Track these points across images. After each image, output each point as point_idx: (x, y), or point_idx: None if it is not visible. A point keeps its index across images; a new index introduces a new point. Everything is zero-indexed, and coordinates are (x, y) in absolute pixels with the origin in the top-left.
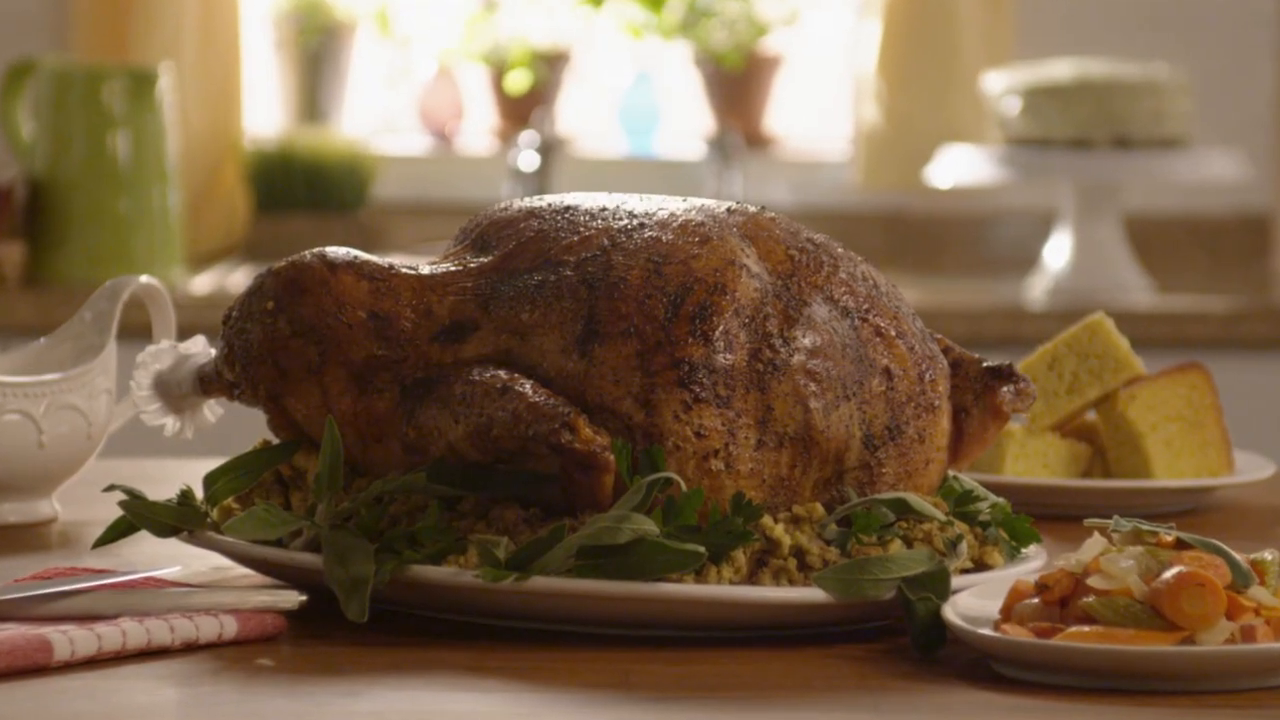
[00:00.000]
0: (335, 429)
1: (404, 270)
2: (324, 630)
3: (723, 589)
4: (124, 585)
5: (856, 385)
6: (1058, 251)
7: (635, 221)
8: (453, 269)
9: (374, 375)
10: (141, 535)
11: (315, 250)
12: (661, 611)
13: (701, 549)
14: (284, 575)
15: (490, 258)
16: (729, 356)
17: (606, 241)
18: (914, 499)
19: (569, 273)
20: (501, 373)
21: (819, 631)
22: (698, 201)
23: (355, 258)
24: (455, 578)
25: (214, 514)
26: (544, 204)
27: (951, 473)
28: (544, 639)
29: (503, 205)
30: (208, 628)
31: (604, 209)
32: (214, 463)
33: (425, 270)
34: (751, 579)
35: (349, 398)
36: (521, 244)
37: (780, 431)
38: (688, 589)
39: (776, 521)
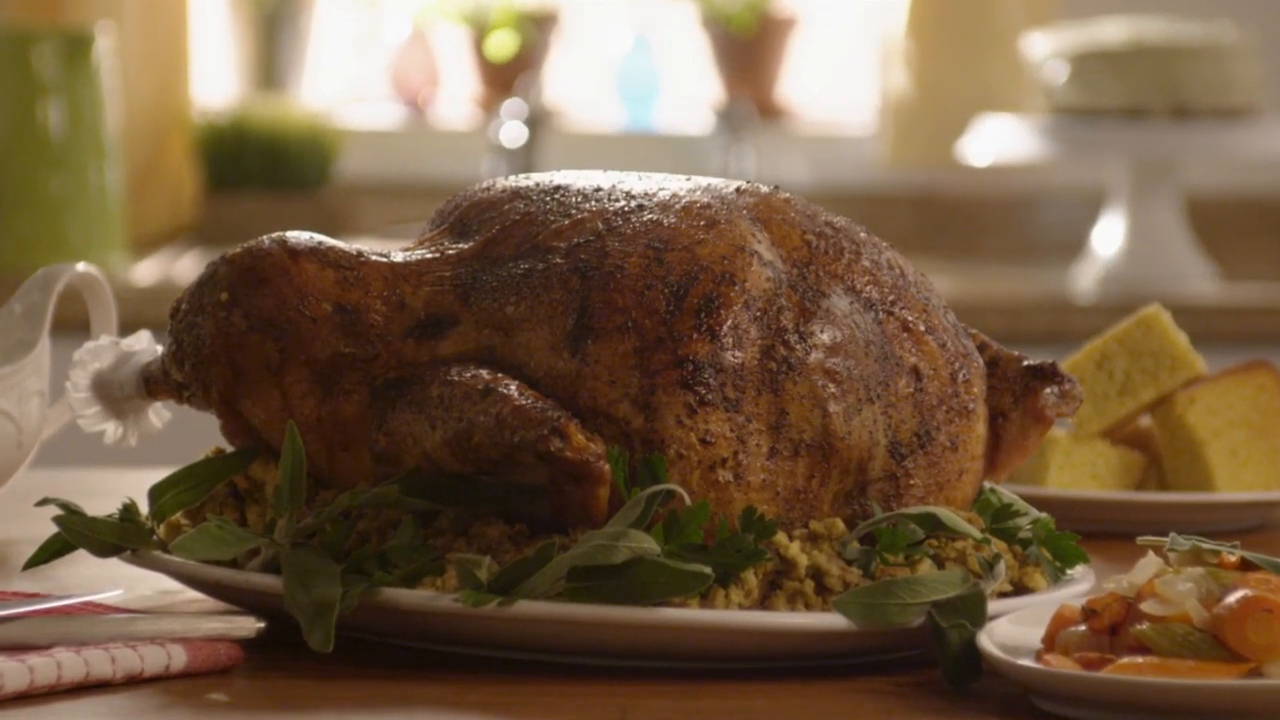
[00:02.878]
0: (297, 435)
1: (374, 258)
2: (284, 661)
3: (731, 615)
4: (59, 611)
5: (881, 386)
6: (1108, 236)
7: (633, 203)
8: (428, 256)
9: (340, 376)
10: (79, 555)
11: (275, 235)
12: (662, 640)
13: (708, 570)
14: (239, 600)
15: (470, 244)
16: (738, 354)
17: (601, 225)
18: (946, 514)
19: (559, 260)
20: (484, 373)
21: (839, 663)
22: (703, 181)
23: (319, 244)
24: (432, 602)
25: (160, 531)
26: (531, 183)
27: (988, 484)
28: (532, 670)
29: (484, 185)
30: (154, 659)
31: (598, 189)
32: (161, 473)
33: (398, 258)
34: (763, 603)
35: (312, 400)
36: (506, 228)
37: (796, 438)
38: (692, 614)
39: (792, 539)
